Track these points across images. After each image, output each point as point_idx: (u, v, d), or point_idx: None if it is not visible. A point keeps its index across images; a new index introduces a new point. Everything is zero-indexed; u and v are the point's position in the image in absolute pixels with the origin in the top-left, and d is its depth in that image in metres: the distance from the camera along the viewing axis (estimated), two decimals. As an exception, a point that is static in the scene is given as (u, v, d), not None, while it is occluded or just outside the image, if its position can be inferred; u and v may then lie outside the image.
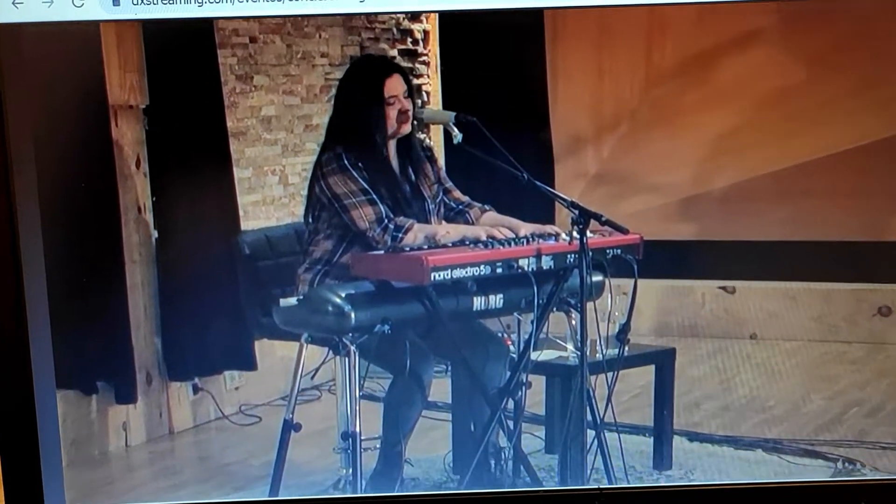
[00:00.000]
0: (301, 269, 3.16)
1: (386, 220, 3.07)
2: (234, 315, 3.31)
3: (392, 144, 3.17)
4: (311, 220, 3.14)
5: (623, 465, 3.09)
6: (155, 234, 3.38)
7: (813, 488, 2.79)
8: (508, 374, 3.15)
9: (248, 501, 3.04)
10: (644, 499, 2.86)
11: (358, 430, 2.99)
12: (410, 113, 3.11)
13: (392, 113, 3.09)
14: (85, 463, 3.18)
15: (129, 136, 3.31)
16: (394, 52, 3.64)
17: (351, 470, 3.01)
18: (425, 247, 3.03)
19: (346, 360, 3.00)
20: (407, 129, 3.13)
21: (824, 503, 2.78)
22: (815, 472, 3.07)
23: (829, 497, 2.78)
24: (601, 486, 2.90)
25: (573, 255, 3.04)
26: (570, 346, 3.21)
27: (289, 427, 3.08)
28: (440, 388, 3.22)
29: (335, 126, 3.14)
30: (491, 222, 3.19)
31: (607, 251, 3.12)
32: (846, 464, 3.19)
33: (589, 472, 3.03)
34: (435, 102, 3.74)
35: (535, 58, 3.50)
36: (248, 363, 3.49)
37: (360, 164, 3.06)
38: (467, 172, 3.22)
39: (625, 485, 2.98)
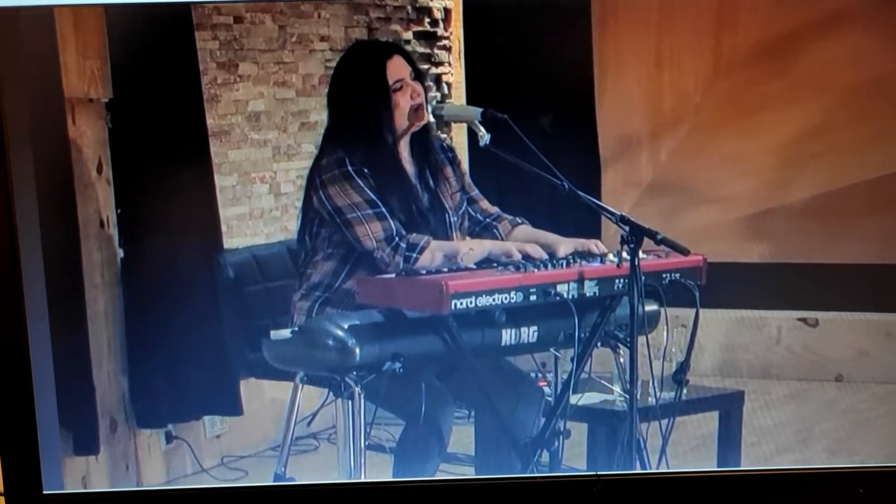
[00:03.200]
0: (296, 296, 3.06)
1: (397, 238, 2.96)
2: (215, 350, 3.23)
3: (405, 144, 3.07)
4: (307, 237, 3.05)
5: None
6: (120, 252, 3.25)
7: (812, 475, 2.89)
8: (543, 421, 3.08)
9: (248, 487, 3.11)
10: (641, 485, 2.92)
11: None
12: (423, 98, 3.02)
13: (402, 100, 3.00)
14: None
15: (88, 136, 3.16)
16: (408, 35, 3.53)
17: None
18: (445, 269, 2.95)
19: (350, 403, 2.93)
20: (422, 122, 3.04)
21: (824, 490, 2.88)
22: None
23: (828, 484, 2.88)
24: (598, 472, 2.93)
25: (622, 280, 2.97)
26: (617, 389, 3.14)
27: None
28: (461, 437, 3.17)
29: (335, 124, 3.04)
30: (524, 239, 3.10)
31: (663, 275, 3.04)
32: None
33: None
34: (458, 96, 3.61)
35: (578, 42, 3.37)
36: (233, 407, 3.37)
37: (365, 170, 2.96)
38: (496, 179, 3.16)
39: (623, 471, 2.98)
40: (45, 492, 2.86)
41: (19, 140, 2.76)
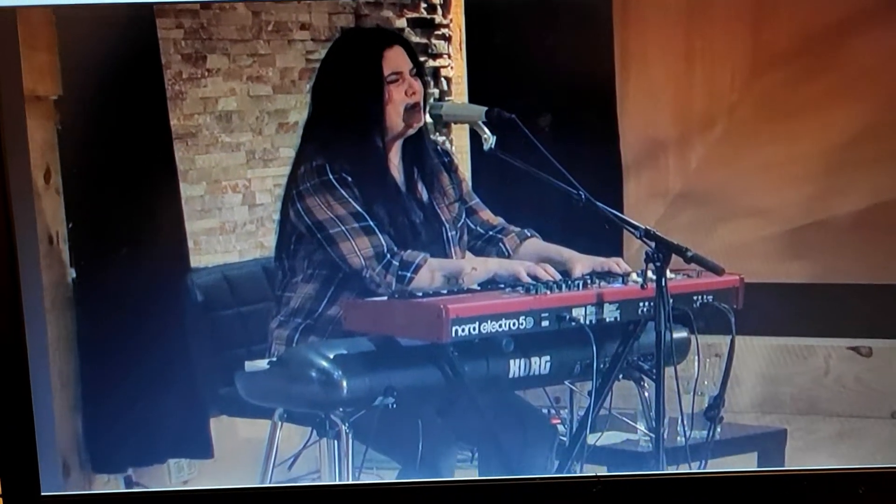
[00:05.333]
0: (274, 323, 3.00)
1: (388, 255, 2.89)
2: (182, 384, 3.17)
3: (396, 149, 3.00)
4: (285, 255, 2.98)
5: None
6: (72, 273, 3.17)
7: (813, 476, 2.92)
8: (557, 463, 3.02)
9: (251, 488, 3.01)
10: (641, 486, 2.92)
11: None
12: (421, 98, 2.95)
13: (396, 95, 2.92)
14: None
15: (35, 139, 3.07)
16: (401, 23, 3.42)
17: None
18: (444, 291, 2.87)
19: (336, 443, 2.88)
20: (418, 124, 2.98)
21: (824, 491, 2.91)
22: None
23: (828, 484, 2.91)
24: (598, 474, 2.92)
25: (647, 304, 2.90)
26: (641, 427, 3.07)
27: (257, 535, 3.04)
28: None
29: (315, 125, 2.98)
30: (534, 254, 3.04)
31: (694, 298, 2.97)
32: None
33: None
34: (459, 93, 3.54)
35: (597, 32, 3.31)
36: (202, 448, 3.28)
37: (349, 178, 2.89)
38: (502, 188, 3.09)
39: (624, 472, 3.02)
40: (42, 493, 2.88)
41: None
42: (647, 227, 2.84)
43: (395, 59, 2.95)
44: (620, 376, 2.99)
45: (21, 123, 2.82)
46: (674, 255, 2.83)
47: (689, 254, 2.83)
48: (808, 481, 2.94)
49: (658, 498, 2.95)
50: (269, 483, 2.97)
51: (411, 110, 2.95)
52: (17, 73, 2.82)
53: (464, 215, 3.10)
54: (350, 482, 2.91)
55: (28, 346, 2.87)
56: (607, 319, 2.89)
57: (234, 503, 3.03)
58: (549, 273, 2.90)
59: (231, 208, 3.46)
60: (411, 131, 2.98)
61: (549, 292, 2.84)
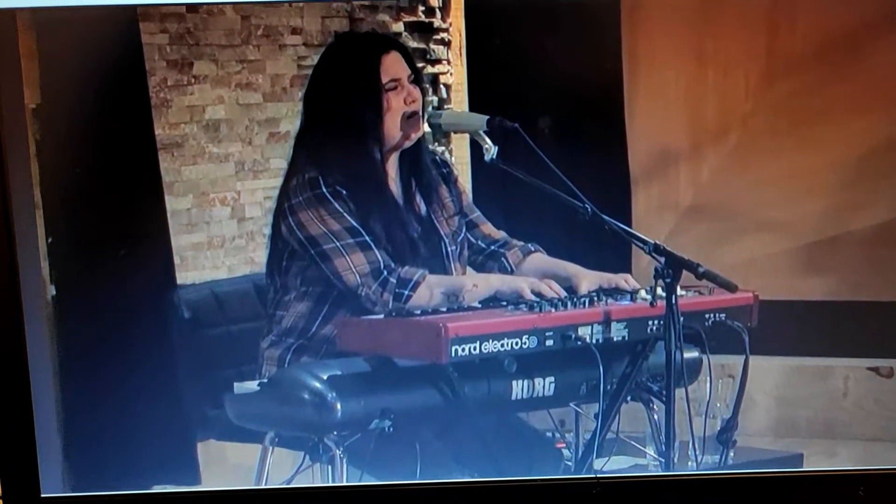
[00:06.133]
0: (265, 343, 2.98)
1: (385, 272, 2.87)
2: (168, 406, 3.13)
3: (393, 160, 2.98)
4: (276, 272, 2.97)
5: None
6: (52, 290, 3.10)
7: (812, 478, 2.94)
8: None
9: (254, 489, 2.98)
10: (640, 487, 2.93)
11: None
12: (420, 106, 2.93)
13: (395, 103, 2.90)
14: None
15: None
16: (398, 27, 3.38)
17: None
18: (443, 309, 2.87)
19: (329, 469, 2.85)
20: (416, 134, 2.96)
21: (823, 492, 2.92)
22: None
23: (828, 486, 2.93)
24: (598, 475, 2.90)
25: (657, 322, 2.88)
26: (650, 451, 3.05)
27: (246, 566, 3.05)
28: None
29: (308, 135, 2.95)
30: (538, 271, 3.02)
31: (706, 316, 2.95)
32: None
33: None
34: (459, 101, 3.44)
35: (605, 38, 3.25)
36: (189, 474, 3.22)
37: (344, 192, 2.87)
38: (504, 200, 3.09)
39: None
40: (42, 495, 2.89)
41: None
42: (657, 242, 2.83)
43: (393, 66, 2.93)
44: (629, 398, 2.98)
45: (22, 129, 2.84)
46: (685, 271, 2.81)
47: (701, 269, 2.81)
48: (809, 482, 2.95)
49: (657, 499, 2.96)
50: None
51: (410, 119, 2.93)
52: (17, 77, 2.82)
53: (464, 229, 3.08)
54: (349, 483, 2.89)
55: (28, 347, 2.87)
56: (615, 338, 2.87)
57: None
58: (553, 290, 2.87)
59: (219, 222, 3.38)
60: (409, 142, 2.96)
61: (553, 310, 2.82)
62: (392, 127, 2.93)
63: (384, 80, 2.91)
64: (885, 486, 2.96)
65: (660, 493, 2.97)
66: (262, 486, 2.98)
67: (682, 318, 2.83)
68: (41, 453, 2.92)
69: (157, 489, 3.27)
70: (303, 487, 2.94)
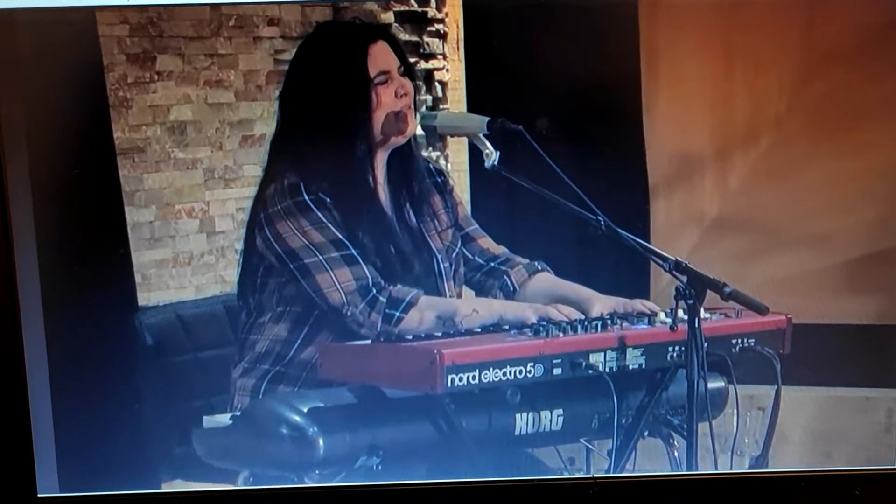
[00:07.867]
0: (237, 371, 2.91)
1: (374, 290, 2.79)
2: (128, 443, 3.01)
3: (381, 165, 2.89)
4: (250, 291, 2.90)
5: None
6: None
7: (808, 478, 2.98)
8: None
9: (255, 489, 2.92)
10: (639, 488, 2.94)
11: None
12: (412, 100, 2.85)
13: (385, 98, 2.81)
14: None
15: None
16: (388, 17, 3.24)
17: None
18: (438, 333, 2.82)
19: None
20: (407, 132, 2.88)
21: (821, 492, 2.97)
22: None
23: (824, 486, 2.98)
24: (595, 475, 2.91)
25: (678, 348, 2.82)
26: None
27: None
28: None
29: (286, 138, 2.86)
30: (545, 293, 2.96)
31: (733, 341, 2.89)
32: None
33: None
34: (456, 100, 3.29)
35: (621, 31, 3.12)
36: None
37: (328, 200, 2.78)
38: (506, 212, 3.00)
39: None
40: (39, 495, 2.91)
41: None
42: (678, 259, 2.78)
43: (382, 57, 2.85)
44: (646, 433, 2.93)
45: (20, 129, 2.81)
46: (709, 292, 2.75)
47: (727, 290, 2.75)
48: (805, 482, 2.98)
49: (656, 499, 2.97)
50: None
51: (401, 115, 2.85)
52: (17, 76, 2.79)
53: (459, 243, 3.01)
54: (349, 483, 2.85)
55: (25, 348, 2.89)
56: (630, 366, 2.81)
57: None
58: (564, 314, 2.81)
59: (186, 236, 3.23)
60: (401, 140, 2.86)
61: (561, 335, 2.75)
62: (381, 125, 2.86)
63: (372, 72, 2.84)
64: (881, 485, 2.99)
65: (657, 493, 2.97)
66: (262, 486, 2.93)
67: (706, 344, 2.78)
68: (38, 453, 2.92)
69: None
70: (303, 487, 2.89)
